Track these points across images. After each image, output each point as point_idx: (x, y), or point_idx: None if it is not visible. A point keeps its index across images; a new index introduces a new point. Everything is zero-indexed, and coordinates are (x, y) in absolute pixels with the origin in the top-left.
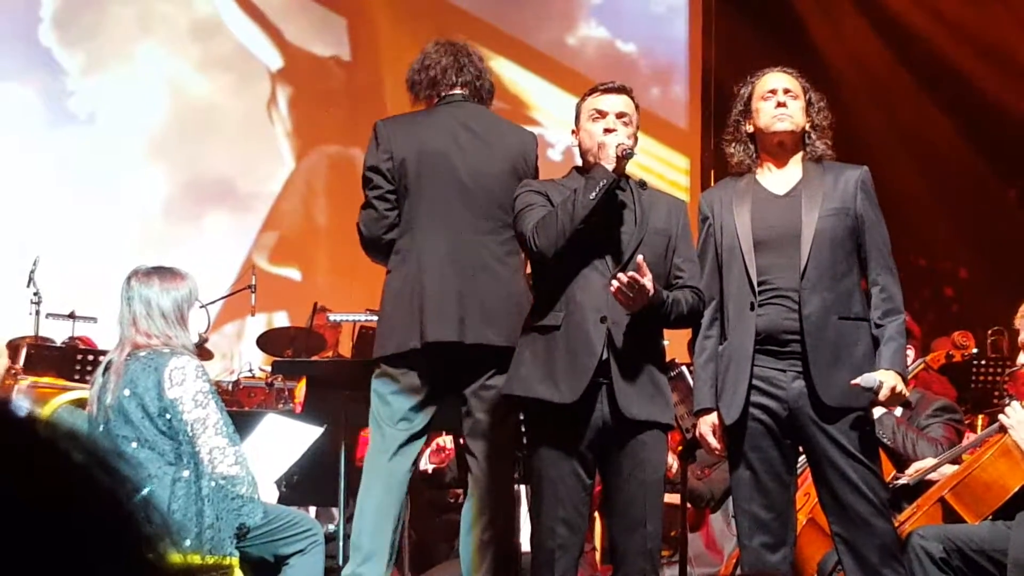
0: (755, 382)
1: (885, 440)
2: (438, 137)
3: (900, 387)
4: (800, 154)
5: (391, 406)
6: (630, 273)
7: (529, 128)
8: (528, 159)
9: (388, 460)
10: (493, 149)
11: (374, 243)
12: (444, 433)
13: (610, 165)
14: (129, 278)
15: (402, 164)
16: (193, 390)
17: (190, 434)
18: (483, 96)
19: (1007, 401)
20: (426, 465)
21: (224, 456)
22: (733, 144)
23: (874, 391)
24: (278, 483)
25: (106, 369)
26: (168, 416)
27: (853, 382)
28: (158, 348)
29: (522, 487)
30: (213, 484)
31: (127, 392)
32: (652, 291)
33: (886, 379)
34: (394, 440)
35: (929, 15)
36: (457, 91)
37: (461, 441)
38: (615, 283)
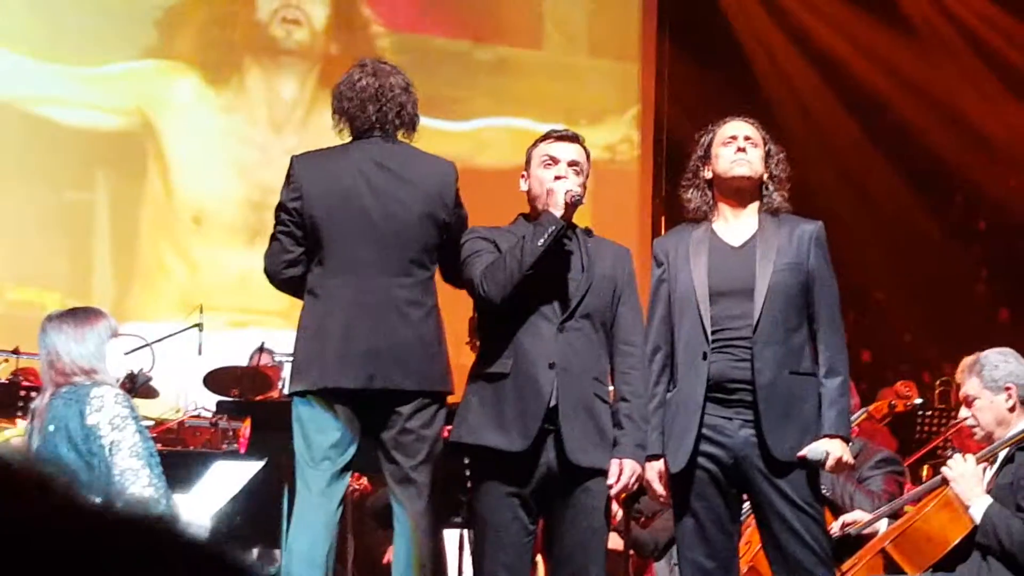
0: (703, 430)
1: (824, 491)
2: (349, 176)
3: (847, 456)
4: (757, 204)
5: (311, 446)
6: (616, 494)
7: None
8: (446, 192)
9: (314, 502)
10: (408, 188)
11: (273, 277)
12: None
13: (559, 212)
14: (44, 324)
15: (311, 203)
16: (111, 414)
17: (108, 459)
18: (404, 129)
19: (950, 453)
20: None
21: (137, 478)
22: (691, 190)
23: (821, 463)
24: (220, 524)
25: (32, 416)
26: (90, 443)
27: (799, 454)
28: (79, 382)
29: (465, 531)
30: (121, 505)
31: (52, 428)
32: (638, 471)
33: (832, 449)
34: (318, 481)
35: (879, 68)
36: (375, 126)
37: None
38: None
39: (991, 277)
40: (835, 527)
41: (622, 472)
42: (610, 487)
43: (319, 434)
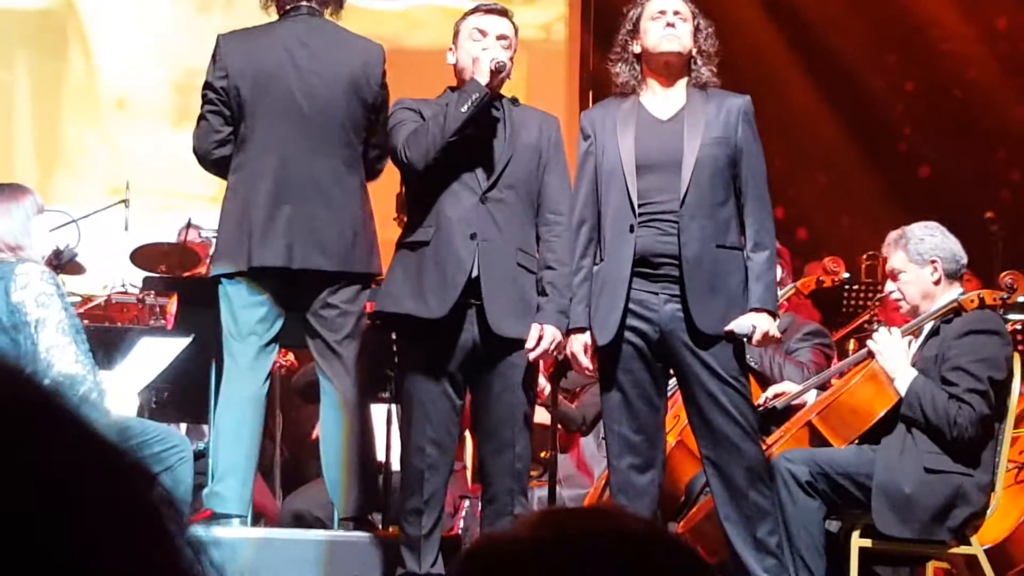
0: (629, 305)
1: (752, 363)
2: (274, 55)
3: (773, 330)
4: (685, 79)
5: (238, 321)
6: (534, 356)
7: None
8: (371, 73)
9: (241, 376)
10: (331, 66)
11: (203, 158)
12: None
13: (483, 79)
14: None
15: (237, 83)
16: (36, 291)
17: (33, 335)
18: (331, 7)
19: (876, 327)
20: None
21: (63, 354)
22: (619, 64)
23: (748, 337)
24: (148, 400)
25: None
26: (15, 320)
27: (726, 328)
28: (4, 259)
29: (393, 406)
30: (48, 381)
31: None
32: (558, 338)
33: (759, 323)
34: (244, 355)
35: None
36: (301, 3)
37: None
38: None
39: (913, 135)
40: (764, 398)
41: (542, 337)
42: (529, 351)
43: (245, 310)
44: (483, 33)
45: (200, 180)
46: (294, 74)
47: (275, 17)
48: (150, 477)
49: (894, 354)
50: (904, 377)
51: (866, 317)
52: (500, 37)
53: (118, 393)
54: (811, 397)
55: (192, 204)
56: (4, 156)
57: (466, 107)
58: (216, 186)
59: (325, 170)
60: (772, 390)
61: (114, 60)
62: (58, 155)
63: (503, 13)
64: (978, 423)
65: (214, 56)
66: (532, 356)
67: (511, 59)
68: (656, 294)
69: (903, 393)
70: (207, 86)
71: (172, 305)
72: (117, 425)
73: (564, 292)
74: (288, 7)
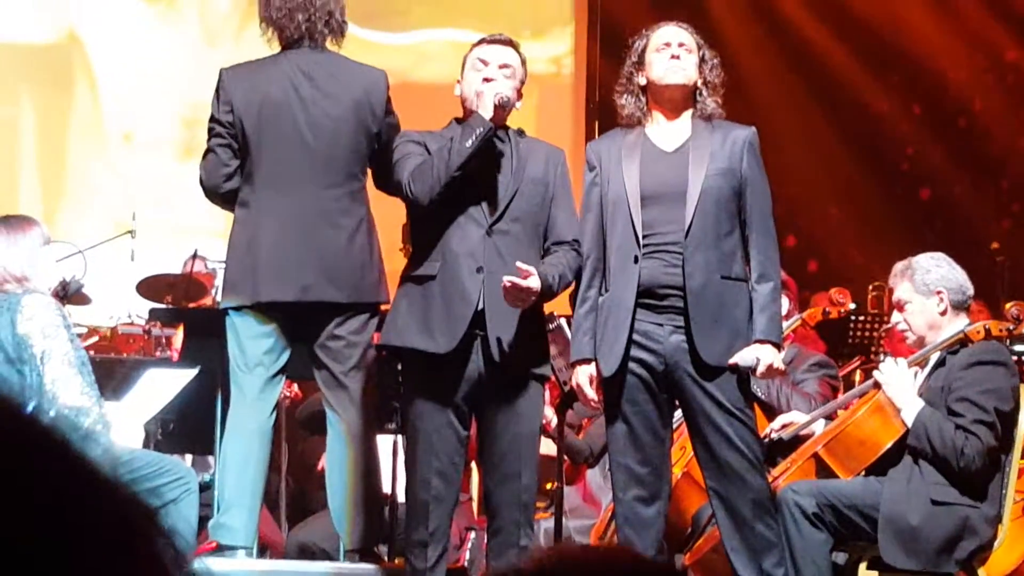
0: (634, 336)
1: (759, 394)
2: (278, 88)
3: (777, 362)
4: (690, 110)
5: (245, 352)
6: (513, 281)
7: None
8: (375, 99)
9: (247, 408)
10: (335, 97)
11: (213, 192)
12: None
13: (487, 113)
14: None
15: (241, 116)
16: (42, 323)
17: (39, 367)
18: (332, 37)
19: (882, 358)
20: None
21: (68, 385)
22: (624, 96)
23: (752, 369)
24: (154, 431)
25: None
26: (21, 352)
27: (730, 361)
28: (10, 290)
29: (399, 437)
30: (53, 413)
31: None
32: (538, 290)
33: (763, 355)
34: (251, 387)
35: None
36: (305, 36)
37: None
38: (505, 281)
39: (916, 155)
40: (771, 429)
41: (529, 279)
42: (523, 273)
43: (252, 341)
44: (484, 63)
45: (206, 211)
46: (298, 106)
47: (278, 49)
48: (147, 509)
49: (900, 385)
50: (911, 408)
51: (874, 350)
52: (502, 66)
53: (124, 425)
54: (818, 428)
55: (198, 235)
56: (10, 189)
57: (470, 142)
58: (222, 217)
59: (331, 201)
60: (779, 421)
61: (119, 93)
62: (64, 187)
63: (507, 43)
64: (985, 454)
65: (217, 90)
66: (507, 279)
67: (518, 90)
68: (661, 325)
69: (910, 424)
70: (213, 120)
71: (178, 336)
72: (117, 458)
73: (559, 279)
74: (293, 39)
